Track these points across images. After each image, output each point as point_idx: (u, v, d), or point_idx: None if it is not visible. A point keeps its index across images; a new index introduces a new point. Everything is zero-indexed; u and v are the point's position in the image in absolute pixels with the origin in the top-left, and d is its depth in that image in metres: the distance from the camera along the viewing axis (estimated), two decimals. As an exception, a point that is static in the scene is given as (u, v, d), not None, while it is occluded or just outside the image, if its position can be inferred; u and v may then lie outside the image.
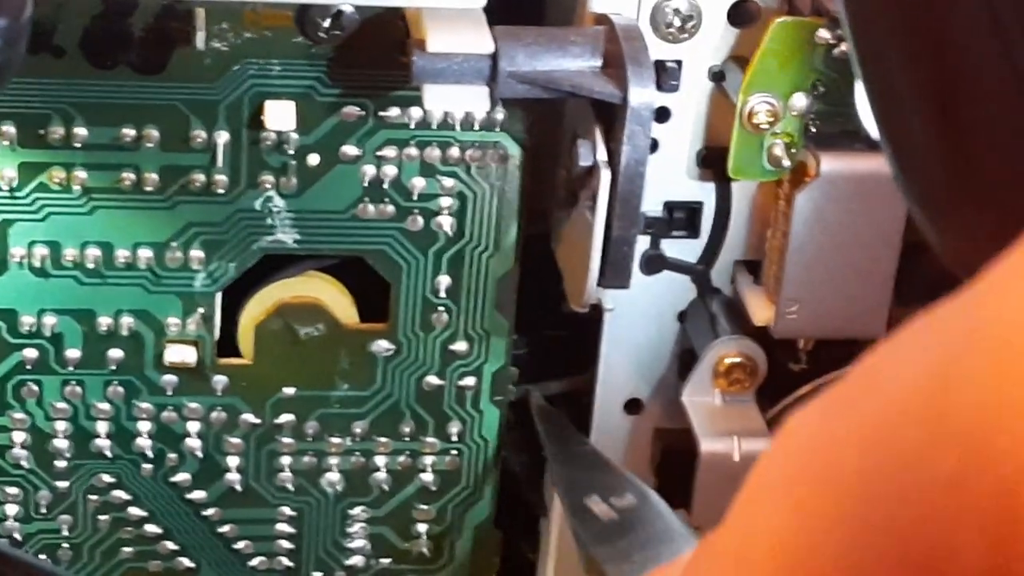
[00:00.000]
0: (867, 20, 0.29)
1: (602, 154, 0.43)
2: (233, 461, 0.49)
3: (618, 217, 0.42)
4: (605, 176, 0.42)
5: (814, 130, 0.44)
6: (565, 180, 0.45)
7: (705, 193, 0.47)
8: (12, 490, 0.48)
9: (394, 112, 0.46)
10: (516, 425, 0.51)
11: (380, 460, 0.49)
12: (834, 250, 0.45)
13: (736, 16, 0.45)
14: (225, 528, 0.50)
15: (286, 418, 0.49)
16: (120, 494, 0.49)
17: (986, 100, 0.29)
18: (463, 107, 0.43)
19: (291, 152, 0.46)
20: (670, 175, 0.46)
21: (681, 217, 0.47)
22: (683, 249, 0.47)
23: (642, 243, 0.47)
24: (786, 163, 0.44)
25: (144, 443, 0.48)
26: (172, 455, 0.49)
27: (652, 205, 0.46)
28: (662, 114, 0.45)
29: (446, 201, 0.47)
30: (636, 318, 0.48)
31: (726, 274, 0.48)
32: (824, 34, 0.43)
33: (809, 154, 0.44)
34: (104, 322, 0.47)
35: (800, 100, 0.44)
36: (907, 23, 0.29)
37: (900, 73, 0.30)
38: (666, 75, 0.45)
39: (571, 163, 0.44)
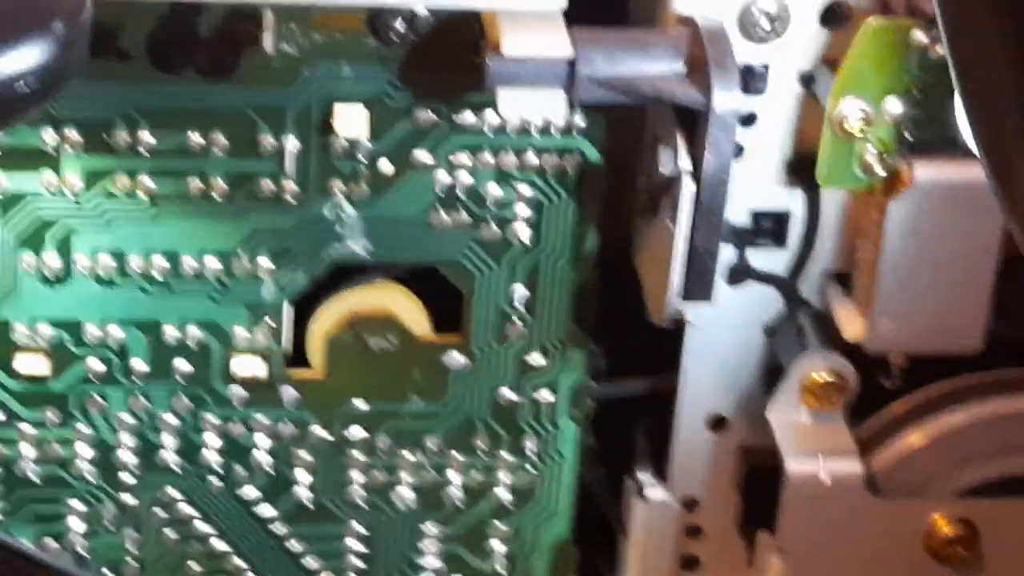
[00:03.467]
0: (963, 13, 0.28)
1: (684, 162, 0.41)
2: (303, 476, 0.47)
3: (700, 228, 0.41)
4: (687, 185, 0.41)
5: (909, 137, 0.42)
6: (646, 188, 0.43)
7: (794, 201, 0.45)
8: (77, 504, 0.47)
9: (469, 117, 0.44)
10: (595, 440, 0.49)
11: (453, 476, 0.48)
12: (929, 262, 0.43)
13: (827, 17, 0.43)
14: (294, 544, 0.48)
15: (357, 432, 0.47)
16: (187, 508, 0.48)
17: None
18: (539, 113, 0.41)
19: (362, 158, 0.44)
20: (757, 182, 0.44)
21: (768, 226, 0.45)
22: (770, 260, 0.45)
23: (727, 253, 0.45)
24: (879, 171, 0.42)
25: (211, 457, 0.47)
26: (240, 469, 0.47)
27: (738, 213, 0.45)
28: (748, 119, 0.44)
29: (522, 209, 0.45)
30: (720, 331, 0.46)
31: (815, 286, 0.46)
32: (919, 36, 0.41)
33: (903, 162, 0.42)
34: (170, 333, 0.45)
35: (894, 105, 0.42)
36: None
37: (1001, 71, 0.28)
38: (753, 79, 0.43)
39: (652, 171, 0.42)
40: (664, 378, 0.47)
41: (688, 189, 0.41)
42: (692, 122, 0.41)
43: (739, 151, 0.44)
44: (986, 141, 0.29)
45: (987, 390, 0.44)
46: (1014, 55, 0.27)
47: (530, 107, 0.41)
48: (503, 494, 0.48)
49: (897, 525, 0.44)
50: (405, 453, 0.48)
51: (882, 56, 0.41)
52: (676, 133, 0.41)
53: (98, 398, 0.46)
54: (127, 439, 0.46)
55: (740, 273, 0.45)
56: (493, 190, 0.45)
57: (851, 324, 0.44)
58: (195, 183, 0.44)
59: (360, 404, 0.47)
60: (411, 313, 0.46)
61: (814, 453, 0.44)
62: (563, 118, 0.43)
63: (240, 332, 0.46)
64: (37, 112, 0.35)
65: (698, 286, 0.41)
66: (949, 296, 0.43)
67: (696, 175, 0.41)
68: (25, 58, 0.30)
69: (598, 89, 0.41)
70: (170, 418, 0.46)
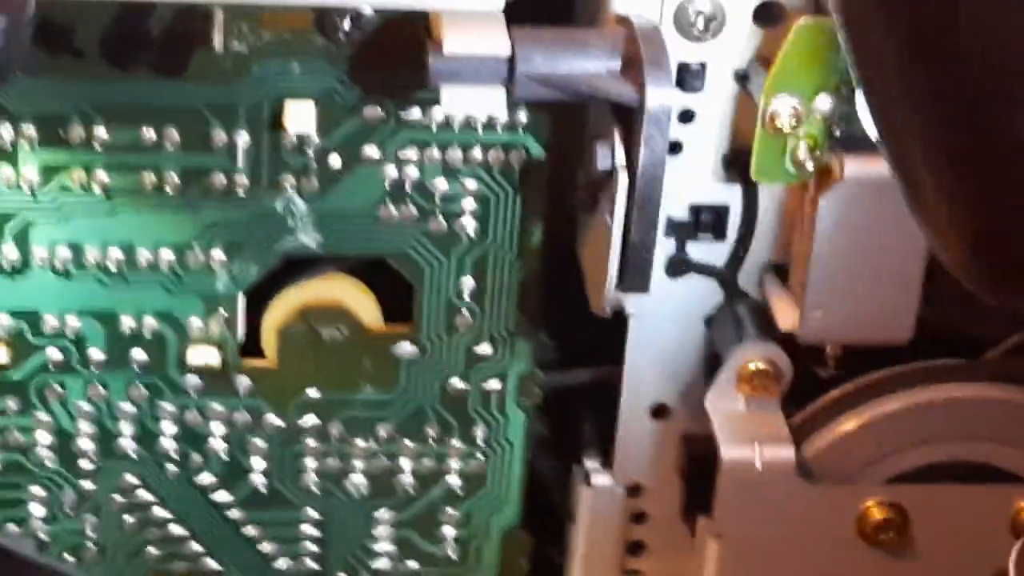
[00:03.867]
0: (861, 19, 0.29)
1: (620, 157, 0.42)
2: (258, 463, 0.49)
3: (636, 222, 0.42)
4: (623, 180, 0.42)
5: (838, 133, 0.43)
6: (585, 183, 0.44)
7: (732, 196, 0.46)
8: (37, 490, 0.48)
9: (416, 113, 0.45)
10: (545, 429, 0.50)
11: (405, 463, 0.49)
12: (860, 254, 0.44)
13: (761, 16, 0.44)
14: (250, 530, 0.50)
15: (310, 420, 0.48)
16: (145, 495, 0.49)
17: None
18: (480, 109, 0.43)
19: (312, 154, 0.45)
20: (696, 177, 0.46)
21: (707, 220, 0.46)
22: (709, 252, 0.47)
23: (668, 246, 0.46)
24: (809, 166, 0.43)
25: (168, 444, 0.48)
26: (196, 456, 0.48)
27: (678, 207, 0.46)
28: (686, 116, 0.45)
29: (469, 203, 0.46)
30: (662, 322, 0.47)
31: (754, 278, 0.47)
32: (849, 35, 0.42)
33: (833, 157, 0.43)
34: (126, 323, 0.47)
35: (824, 102, 0.43)
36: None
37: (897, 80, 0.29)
38: (690, 76, 0.44)
39: (591, 166, 0.43)
40: (609, 368, 0.49)
41: (623, 184, 0.42)
42: (628, 119, 0.42)
43: (678, 147, 0.45)
44: (891, 152, 0.30)
45: (917, 379, 0.46)
46: (906, 58, 0.29)
47: (472, 103, 0.42)
48: (454, 481, 0.50)
49: (829, 510, 0.46)
50: (357, 441, 0.49)
51: (812, 55, 0.42)
52: (613, 129, 0.42)
53: (57, 387, 0.47)
54: (85, 427, 0.48)
55: (680, 265, 0.46)
56: (440, 184, 0.46)
57: (786, 315, 0.46)
58: (149, 177, 0.45)
59: (313, 393, 0.48)
60: (362, 304, 0.48)
61: (749, 440, 0.45)
62: (505, 114, 0.45)
63: (195, 323, 0.47)
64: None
65: (635, 277, 0.43)
66: (880, 287, 0.44)
67: (631, 170, 0.42)
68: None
69: (537, 86, 0.42)
70: (127, 406, 0.48)
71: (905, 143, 0.30)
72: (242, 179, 0.45)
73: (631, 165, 0.42)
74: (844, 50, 0.30)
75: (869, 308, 0.45)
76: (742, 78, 0.44)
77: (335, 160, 0.46)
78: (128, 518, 0.49)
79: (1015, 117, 0.28)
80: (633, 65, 0.42)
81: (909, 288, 0.44)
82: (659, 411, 0.48)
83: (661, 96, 0.41)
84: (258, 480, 0.49)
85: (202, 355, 0.47)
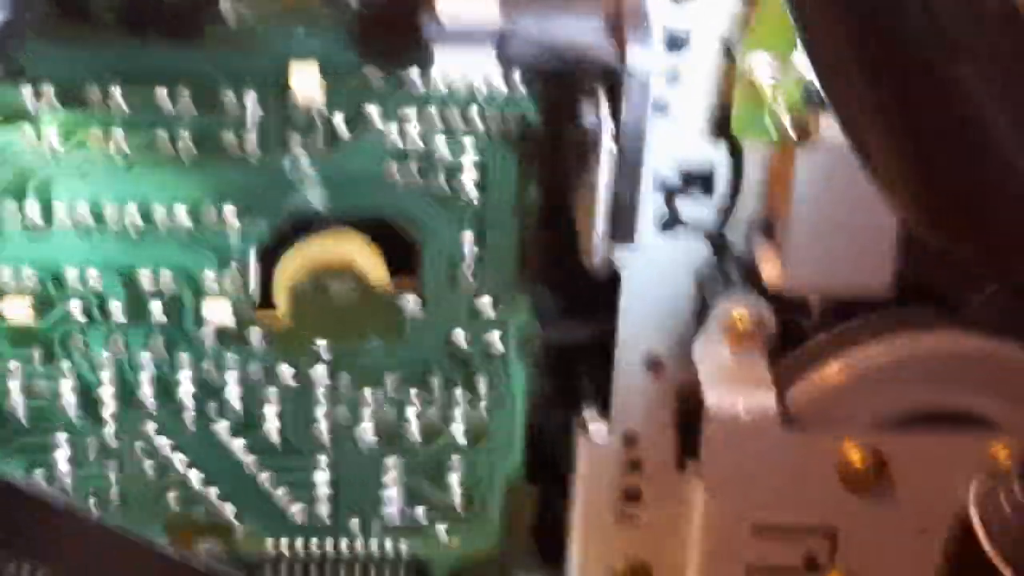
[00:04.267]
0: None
1: (606, 117, 0.44)
2: (271, 413, 0.51)
3: (621, 176, 0.44)
4: (607, 137, 0.44)
5: (816, 91, 0.45)
6: (575, 143, 0.46)
7: (720, 153, 0.48)
8: (61, 439, 0.51)
9: (417, 79, 0.47)
10: (546, 383, 0.52)
11: (412, 413, 0.52)
12: (837, 210, 0.46)
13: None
14: (264, 477, 0.52)
15: (320, 372, 0.51)
16: (164, 443, 0.51)
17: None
18: (472, 72, 0.45)
19: (317, 116, 0.48)
20: (684, 136, 0.48)
21: (696, 178, 0.48)
22: (699, 209, 0.49)
23: (658, 204, 0.48)
24: (788, 124, 0.45)
25: (185, 394, 0.51)
26: (213, 406, 0.51)
27: (667, 166, 0.48)
28: (674, 79, 0.47)
29: (468, 165, 0.49)
30: (654, 277, 0.49)
31: (744, 235, 0.49)
32: (827, -2, 0.44)
33: (811, 115, 0.45)
34: (144, 278, 0.49)
35: (801, 61, 0.45)
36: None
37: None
38: (677, 38, 0.46)
39: (580, 126, 0.45)
40: (606, 323, 0.51)
41: (607, 141, 0.44)
42: (613, 79, 0.44)
43: (665, 107, 0.47)
44: (839, 113, 0.32)
45: (897, 327, 0.48)
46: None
47: (464, 67, 0.44)
48: (458, 431, 0.52)
49: (811, 456, 0.48)
50: (366, 392, 0.51)
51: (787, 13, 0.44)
52: (599, 91, 0.44)
53: (79, 339, 0.50)
54: (106, 377, 0.50)
55: (670, 222, 0.49)
56: (441, 147, 0.48)
57: (772, 269, 0.48)
58: (164, 139, 0.48)
59: (322, 346, 0.51)
60: (369, 262, 0.50)
61: (733, 389, 0.47)
62: (498, 78, 0.47)
63: (209, 278, 0.49)
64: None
65: (622, 230, 0.45)
66: (858, 241, 0.46)
67: (616, 129, 0.44)
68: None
69: (526, 50, 0.44)
70: (146, 358, 0.50)
71: (848, 106, 0.32)
72: (252, 141, 0.48)
73: (615, 123, 0.44)
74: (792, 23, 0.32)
75: (848, 262, 0.47)
76: (726, 42, 0.46)
77: (340, 123, 0.48)
78: (148, 466, 0.52)
79: (948, 67, 0.30)
80: (617, 29, 0.44)
81: (885, 242, 0.46)
82: (653, 363, 0.50)
83: (642, 56, 0.43)
84: (272, 430, 0.51)
85: (217, 309, 0.50)
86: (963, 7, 0.30)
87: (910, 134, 0.31)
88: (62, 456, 0.51)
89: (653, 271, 0.49)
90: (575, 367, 0.52)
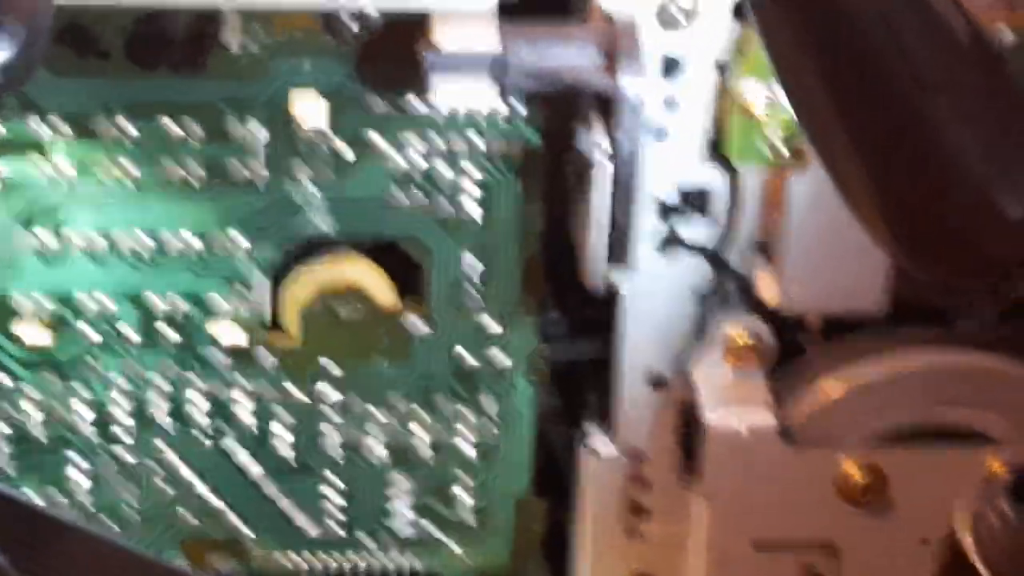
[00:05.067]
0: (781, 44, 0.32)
1: (602, 144, 0.45)
2: (284, 434, 0.52)
3: (617, 201, 0.45)
4: (603, 164, 0.45)
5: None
6: (574, 168, 0.47)
7: (718, 178, 0.49)
8: (79, 461, 0.52)
9: (419, 106, 0.49)
10: (553, 400, 0.53)
11: (421, 433, 0.53)
12: (832, 230, 0.47)
13: (738, 12, 0.47)
14: (279, 497, 0.53)
15: (331, 393, 0.52)
16: (177, 462, 0.53)
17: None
18: (473, 101, 0.46)
19: (323, 144, 0.49)
20: (683, 161, 0.49)
21: (694, 200, 0.49)
22: (699, 231, 0.49)
23: (659, 227, 0.49)
24: (782, 150, 0.46)
25: (200, 417, 0.52)
26: (227, 429, 0.52)
27: (666, 190, 0.49)
28: (672, 104, 0.48)
29: (471, 189, 0.50)
30: (656, 297, 0.50)
31: (743, 256, 0.50)
32: (819, 25, 0.45)
33: (804, 141, 0.46)
34: (157, 305, 0.50)
35: (793, 89, 0.46)
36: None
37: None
38: (673, 66, 0.47)
39: (578, 152, 0.46)
40: (608, 340, 0.52)
41: (604, 167, 0.45)
42: (609, 107, 0.45)
43: (663, 133, 0.48)
44: (815, 146, 0.33)
45: (894, 345, 0.48)
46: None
47: (464, 97, 0.46)
48: (467, 450, 0.53)
49: (810, 472, 0.49)
50: (375, 412, 0.52)
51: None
52: (596, 117, 0.45)
53: (95, 364, 0.51)
54: (123, 402, 0.52)
55: (671, 244, 0.50)
56: (444, 172, 0.49)
57: (768, 288, 0.48)
58: (175, 169, 0.49)
59: (332, 368, 0.52)
60: (375, 283, 0.51)
61: (733, 408, 0.48)
62: (500, 105, 0.48)
63: (221, 303, 0.51)
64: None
65: (617, 253, 0.46)
66: (853, 261, 0.47)
67: (612, 154, 0.45)
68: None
69: (525, 78, 0.45)
70: (161, 382, 0.51)
71: (823, 140, 0.33)
72: (260, 170, 0.49)
73: (611, 149, 0.45)
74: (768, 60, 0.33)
75: (844, 280, 0.47)
76: (722, 68, 0.47)
77: (345, 151, 0.49)
78: (162, 484, 0.53)
79: (923, 102, 0.31)
80: (613, 57, 0.45)
81: (879, 261, 0.47)
82: (656, 381, 0.51)
83: (636, 85, 0.44)
84: (284, 450, 0.53)
85: (227, 331, 0.51)
86: (935, 41, 0.31)
87: (884, 167, 0.32)
88: (78, 476, 0.52)
89: (653, 290, 0.50)
90: (579, 384, 0.53)
